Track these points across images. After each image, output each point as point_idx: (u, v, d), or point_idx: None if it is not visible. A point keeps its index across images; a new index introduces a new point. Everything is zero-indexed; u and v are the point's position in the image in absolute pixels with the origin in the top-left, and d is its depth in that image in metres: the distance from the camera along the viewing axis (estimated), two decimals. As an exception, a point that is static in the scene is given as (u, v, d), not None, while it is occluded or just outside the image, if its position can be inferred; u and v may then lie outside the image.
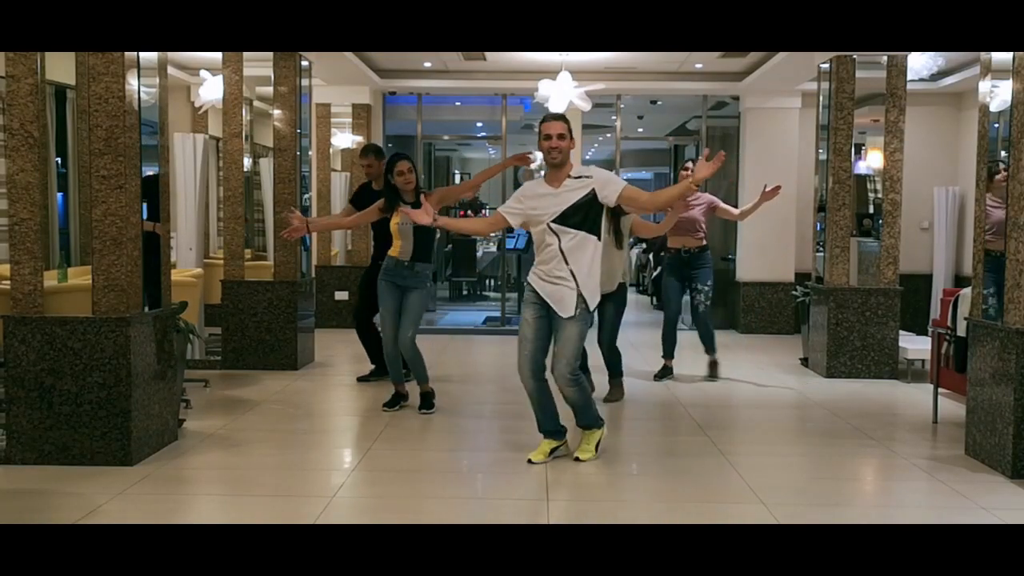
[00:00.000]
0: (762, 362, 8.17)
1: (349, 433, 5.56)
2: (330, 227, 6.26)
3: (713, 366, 7.28)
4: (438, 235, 6.12)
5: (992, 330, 4.65)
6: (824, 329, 7.33)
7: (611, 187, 4.45)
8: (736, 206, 10.40)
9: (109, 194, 4.43)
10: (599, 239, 4.51)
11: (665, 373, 7.20)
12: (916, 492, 4.41)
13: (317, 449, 5.19)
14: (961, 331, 5.29)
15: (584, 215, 4.45)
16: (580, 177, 4.49)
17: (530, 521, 3.81)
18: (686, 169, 7.10)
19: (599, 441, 4.77)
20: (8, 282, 4.54)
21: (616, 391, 6.31)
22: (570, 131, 4.53)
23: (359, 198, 6.54)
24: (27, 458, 4.44)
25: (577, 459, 4.66)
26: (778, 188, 6.21)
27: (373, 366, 6.84)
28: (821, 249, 7.61)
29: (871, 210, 9.81)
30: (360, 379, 6.81)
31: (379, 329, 6.18)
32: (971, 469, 4.68)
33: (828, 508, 4.11)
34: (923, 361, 7.18)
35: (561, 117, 4.54)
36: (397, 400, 5.92)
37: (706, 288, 7.12)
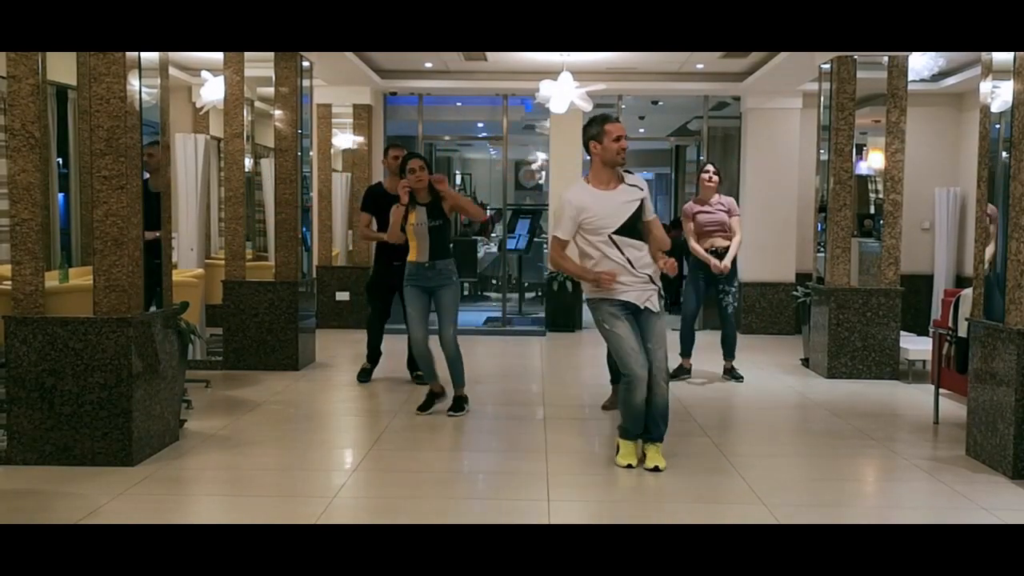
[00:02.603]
0: (763, 362, 8.16)
1: (350, 433, 5.56)
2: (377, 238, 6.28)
3: (731, 371, 7.27)
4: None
5: (993, 331, 4.65)
6: (825, 329, 7.33)
7: (649, 206, 4.60)
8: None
9: (110, 195, 4.44)
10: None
11: (681, 372, 7.17)
12: (917, 493, 4.41)
13: (318, 449, 5.19)
14: (962, 332, 5.28)
15: (637, 225, 4.54)
16: (632, 186, 4.56)
17: (531, 521, 3.81)
18: (705, 172, 7.09)
19: None
20: (9, 282, 4.55)
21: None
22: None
23: (376, 202, 6.50)
24: (28, 458, 4.45)
25: (657, 468, 4.52)
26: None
27: (415, 371, 6.76)
28: (822, 249, 7.61)
29: (872, 211, 9.80)
30: (414, 378, 6.76)
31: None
32: (972, 470, 4.68)
33: (829, 508, 4.11)
34: (924, 362, 7.18)
35: (618, 119, 4.64)
36: (432, 401, 5.84)
37: (733, 289, 7.15)
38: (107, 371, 4.42)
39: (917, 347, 7.18)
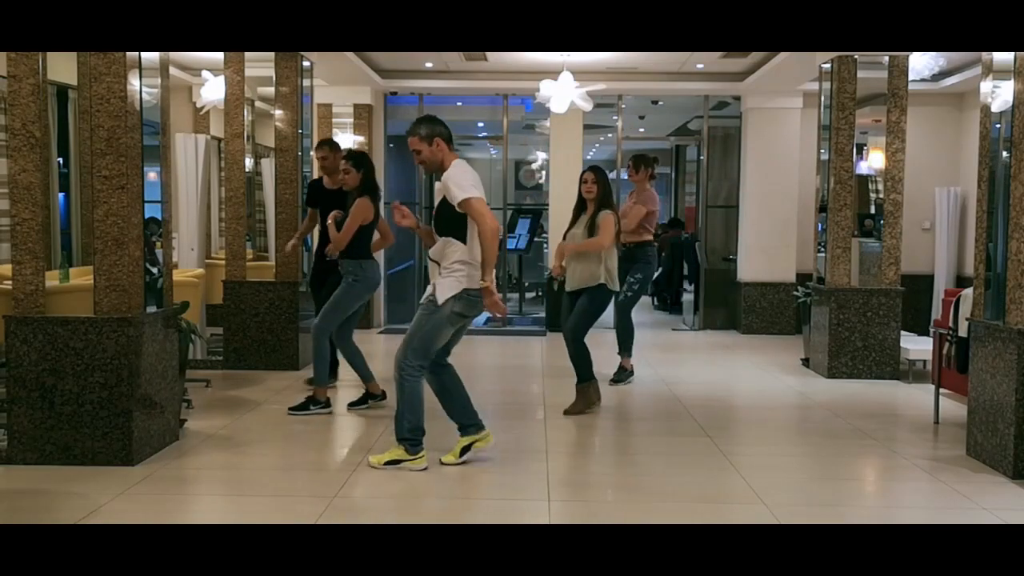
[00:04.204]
0: (763, 362, 8.16)
1: (350, 433, 5.56)
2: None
3: (622, 371, 6.96)
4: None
5: (994, 330, 4.65)
6: (825, 329, 7.33)
7: (450, 193, 4.32)
8: (737, 206, 10.49)
9: (111, 194, 4.44)
10: (463, 242, 4.35)
11: (623, 374, 7.03)
12: (917, 492, 4.41)
13: (318, 449, 5.19)
14: (963, 331, 5.28)
15: (441, 218, 4.37)
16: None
17: (531, 521, 3.81)
18: (628, 167, 7.08)
19: (397, 462, 4.49)
20: (10, 282, 4.55)
21: (578, 401, 5.86)
22: (427, 136, 4.35)
23: (312, 197, 6.58)
24: (28, 458, 4.45)
25: (370, 463, 4.54)
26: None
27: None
28: (822, 249, 7.61)
29: (872, 210, 9.80)
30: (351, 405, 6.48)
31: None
32: (972, 469, 4.68)
33: (829, 508, 4.11)
34: (924, 362, 7.19)
35: (411, 131, 4.38)
36: (365, 399, 5.92)
37: (631, 280, 6.85)
38: (107, 371, 4.42)
39: (917, 347, 7.18)
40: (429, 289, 4.46)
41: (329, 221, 5.74)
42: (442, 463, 4.57)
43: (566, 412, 5.83)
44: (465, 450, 4.60)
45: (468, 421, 4.64)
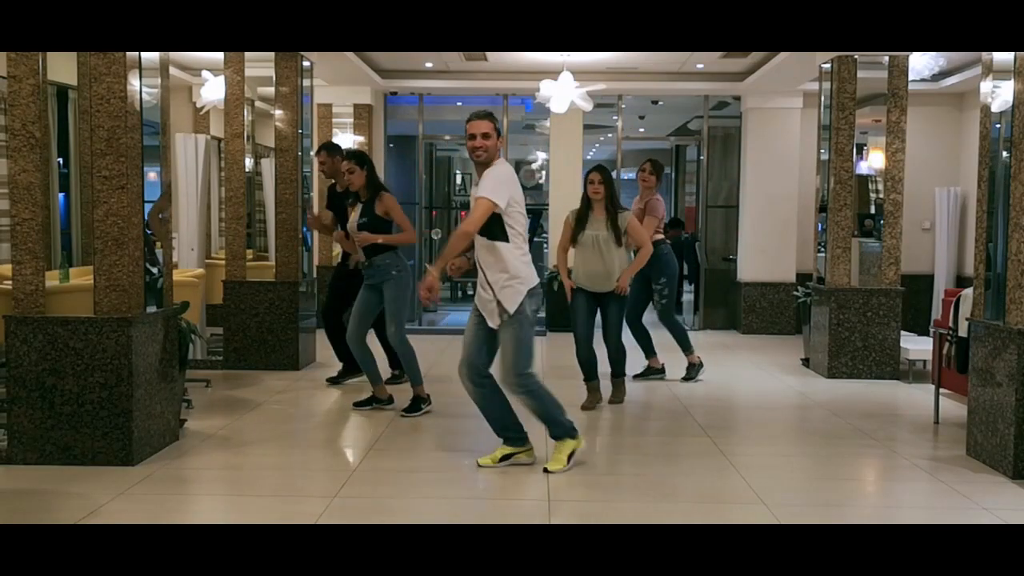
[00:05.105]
0: (763, 362, 8.16)
1: (350, 433, 5.56)
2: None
3: (691, 367, 7.10)
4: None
5: (994, 330, 4.65)
6: (825, 329, 7.33)
7: (479, 191, 4.29)
8: (737, 206, 10.50)
9: (111, 194, 4.44)
10: (506, 241, 4.35)
11: (651, 372, 7.16)
12: (917, 492, 4.41)
13: (318, 449, 5.19)
14: (963, 331, 5.28)
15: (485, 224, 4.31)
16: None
17: (532, 521, 3.81)
18: (643, 171, 6.98)
19: (572, 453, 4.56)
20: (10, 282, 4.55)
21: (618, 391, 6.25)
22: (497, 129, 4.36)
23: (330, 201, 6.67)
24: (28, 458, 4.45)
25: (545, 470, 4.48)
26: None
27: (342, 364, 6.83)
28: (822, 249, 7.61)
29: (872, 210, 9.80)
30: (329, 381, 6.78)
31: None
32: (972, 469, 4.68)
33: (829, 508, 4.11)
34: (924, 362, 7.19)
35: (487, 116, 4.36)
36: (370, 401, 5.93)
37: (658, 287, 6.92)
38: (107, 371, 4.42)
39: (917, 347, 7.18)
40: (487, 306, 4.39)
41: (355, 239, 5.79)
42: (479, 465, 4.56)
43: (609, 401, 6.17)
44: (505, 458, 4.60)
45: (510, 433, 4.65)
